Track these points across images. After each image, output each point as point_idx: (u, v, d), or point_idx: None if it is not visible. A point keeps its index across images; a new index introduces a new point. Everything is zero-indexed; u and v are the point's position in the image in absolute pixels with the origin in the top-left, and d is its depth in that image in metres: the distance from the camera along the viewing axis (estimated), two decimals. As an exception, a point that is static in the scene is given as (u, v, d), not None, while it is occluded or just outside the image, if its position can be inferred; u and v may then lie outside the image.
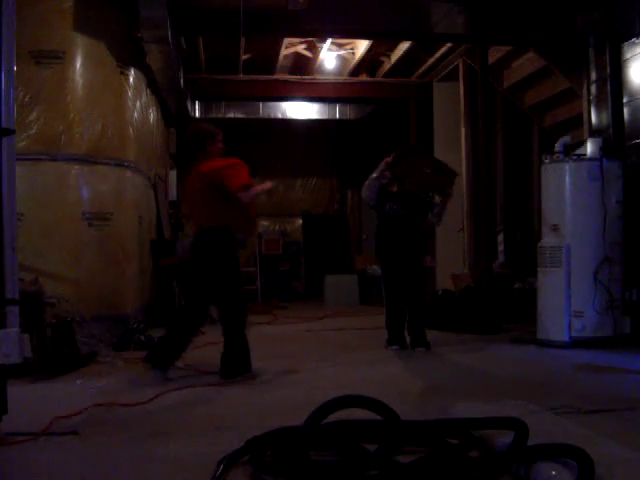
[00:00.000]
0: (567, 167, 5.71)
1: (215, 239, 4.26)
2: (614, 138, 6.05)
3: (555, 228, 5.73)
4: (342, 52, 9.49)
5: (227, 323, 4.37)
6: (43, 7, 5.95)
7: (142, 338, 5.79)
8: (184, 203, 4.52)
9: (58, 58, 5.95)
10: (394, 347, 5.54)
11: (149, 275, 7.56)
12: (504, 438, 2.44)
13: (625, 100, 6.07)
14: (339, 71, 10.07)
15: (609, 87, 6.15)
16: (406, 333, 5.59)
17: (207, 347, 5.91)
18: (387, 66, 9.87)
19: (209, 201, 4.31)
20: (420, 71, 10.05)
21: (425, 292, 5.86)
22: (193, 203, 4.55)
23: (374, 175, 5.52)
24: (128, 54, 6.61)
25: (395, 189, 5.63)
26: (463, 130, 9.17)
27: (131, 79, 6.71)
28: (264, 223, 12.57)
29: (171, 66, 7.36)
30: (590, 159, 5.68)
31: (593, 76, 6.36)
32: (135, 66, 6.82)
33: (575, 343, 5.51)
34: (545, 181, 5.99)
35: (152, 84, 7.88)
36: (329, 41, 8.79)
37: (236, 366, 4.31)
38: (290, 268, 12.01)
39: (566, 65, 7.17)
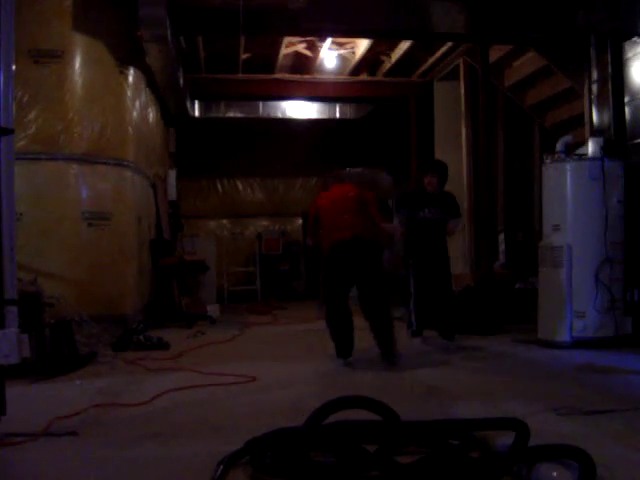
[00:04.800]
0: (568, 167, 5.69)
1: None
2: (615, 138, 6.04)
3: (556, 228, 5.72)
4: (342, 51, 9.47)
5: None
6: (42, 6, 5.95)
7: (141, 338, 5.78)
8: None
9: (57, 57, 5.94)
10: (417, 338, 5.96)
11: (148, 275, 7.55)
12: (505, 439, 2.43)
13: (626, 99, 6.06)
14: (339, 70, 10.05)
15: (610, 86, 6.15)
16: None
17: (207, 347, 5.93)
18: (387, 65, 9.85)
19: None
20: (421, 70, 10.05)
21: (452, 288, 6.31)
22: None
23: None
24: (127, 53, 6.60)
25: (431, 189, 5.88)
26: (464, 129, 9.16)
27: (130, 78, 6.70)
28: (264, 223, 12.54)
29: (170, 65, 7.35)
30: (591, 159, 5.66)
31: (594, 75, 6.35)
32: (134, 65, 6.81)
33: (576, 343, 5.50)
34: (546, 181, 5.97)
35: (151, 83, 7.88)
36: (329, 40, 8.77)
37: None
38: (290, 268, 11.98)
39: (567, 64, 7.17)
